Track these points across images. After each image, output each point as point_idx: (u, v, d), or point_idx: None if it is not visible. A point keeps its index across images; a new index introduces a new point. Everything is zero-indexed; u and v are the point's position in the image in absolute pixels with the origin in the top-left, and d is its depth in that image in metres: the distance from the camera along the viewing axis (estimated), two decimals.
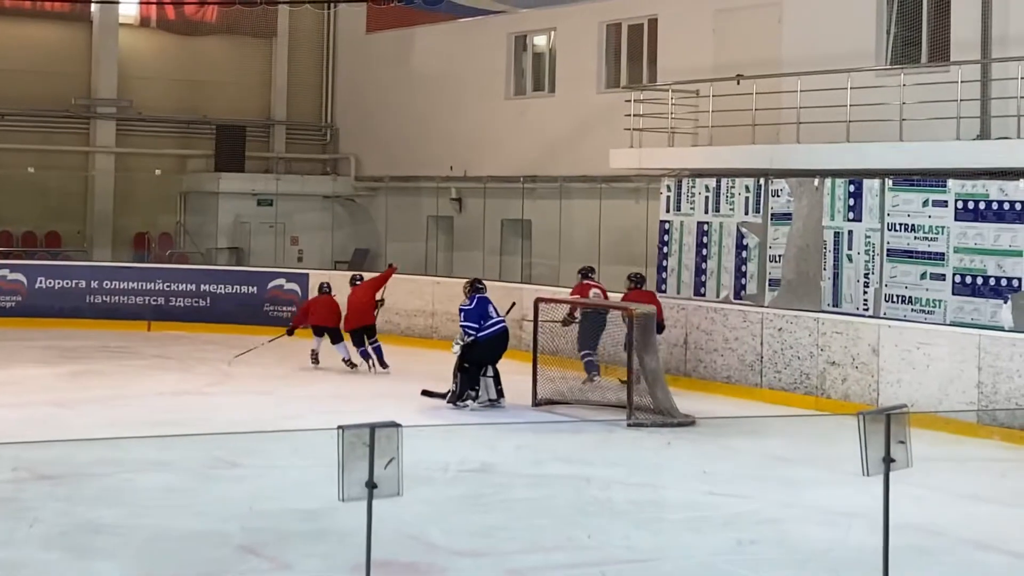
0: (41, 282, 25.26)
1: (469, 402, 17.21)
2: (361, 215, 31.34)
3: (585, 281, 20.10)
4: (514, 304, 18.94)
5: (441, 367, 19.16)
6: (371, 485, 7.13)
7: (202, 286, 25.59)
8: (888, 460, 7.49)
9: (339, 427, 7.10)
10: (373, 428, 7.06)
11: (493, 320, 17.41)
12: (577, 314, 18.72)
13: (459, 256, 28.27)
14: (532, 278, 25.49)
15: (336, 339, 20.87)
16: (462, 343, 17.18)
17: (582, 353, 18.83)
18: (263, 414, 16.68)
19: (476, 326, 17.19)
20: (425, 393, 17.64)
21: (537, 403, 17.57)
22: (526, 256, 26.63)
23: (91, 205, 30.29)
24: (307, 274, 25.52)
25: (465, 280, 18.12)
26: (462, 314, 17.32)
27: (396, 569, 9.86)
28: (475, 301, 17.33)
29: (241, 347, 21.47)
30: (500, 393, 17.40)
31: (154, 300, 25.42)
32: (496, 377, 17.43)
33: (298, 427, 15.06)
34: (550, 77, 27.15)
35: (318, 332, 21.05)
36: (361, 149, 31.91)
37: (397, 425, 7.04)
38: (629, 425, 16.20)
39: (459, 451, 14.45)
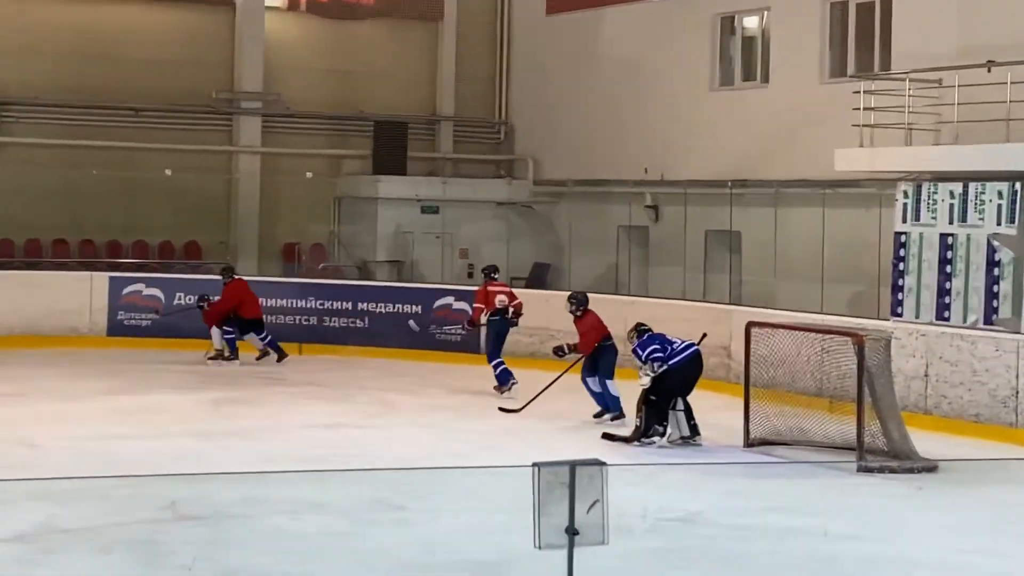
0: (180, 298, 25.79)
1: (656, 439, 17.23)
2: (541, 225, 31.45)
3: (489, 284, 21.49)
4: (705, 335, 18.83)
5: (633, 402, 19.15)
6: (572, 531, 7.12)
7: (359, 304, 25.91)
8: None
9: (535, 464, 7.11)
10: (574, 466, 7.06)
11: (682, 344, 17.61)
12: (482, 319, 20.85)
13: (655, 272, 28.20)
14: (742, 299, 25.31)
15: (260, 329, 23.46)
16: (653, 373, 17.32)
17: (493, 363, 20.84)
18: (430, 450, 16.82)
19: (663, 352, 17.38)
20: (607, 437, 17.75)
21: (750, 443, 17.47)
22: (734, 273, 26.47)
23: (234, 212, 30.86)
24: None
25: (631, 327, 18.42)
26: (639, 350, 17.58)
27: None
28: (646, 338, 17.76)
29: (401, 373, 21.74)
30: (694, 429, 17.37)
31: (305, 319, 25.80)
32: (688, 411, 17.44)
33: (468, 464, 15.17)
34: (763, 65, 27.00)
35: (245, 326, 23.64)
36: (540, 149, 32.05)
37: (602, 463, 7.02)
38: (859, 470, 16.01)
39: (658, 497, 14.37)
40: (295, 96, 31.58)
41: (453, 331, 24.98)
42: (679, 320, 23.10)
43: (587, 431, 18.24)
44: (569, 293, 20.71)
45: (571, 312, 20.04)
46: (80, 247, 29.53)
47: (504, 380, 21.19)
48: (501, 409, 19.69)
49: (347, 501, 13.88)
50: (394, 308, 25.88)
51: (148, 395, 20.16)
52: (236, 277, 24.34)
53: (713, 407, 17.83)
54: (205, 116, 30.94)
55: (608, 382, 19.23)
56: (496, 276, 22.02)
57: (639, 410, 17.44)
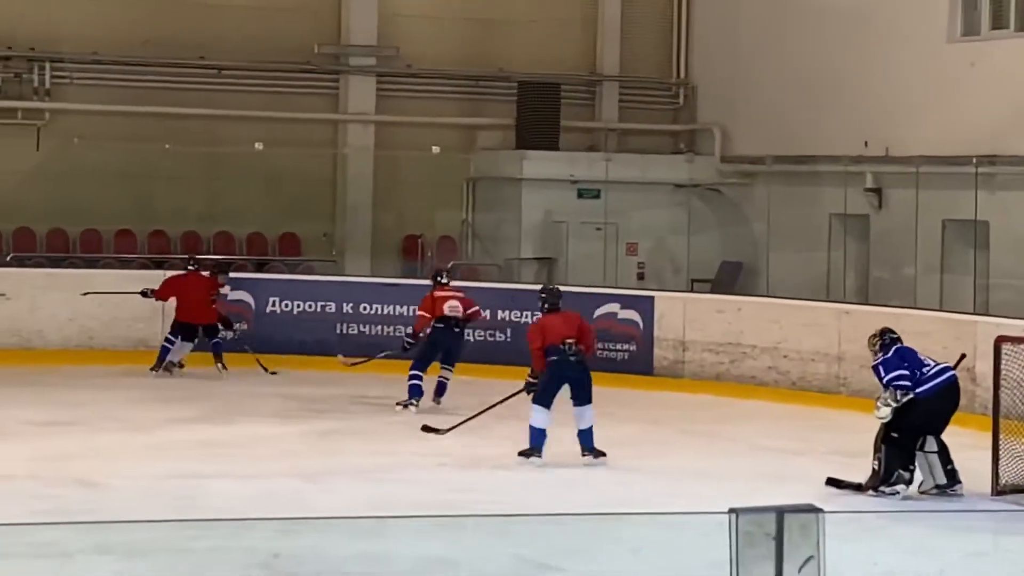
0: (274, 304, 26.07)
1: (900, 487, 17.08)
2: (730, 212, 31.48)
3: (438, 289, 22.41)
4: (964, 356, 18.71)
5: (851, 437, 19.08)
6: None
7: (500, 312, 26.02)
8: None
9: (731, 510, 7.16)
10: (782, 512, 7.11)
11: (936, 368, 17.37)
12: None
13: (878, 272, 28.14)
14: (990, 306, 25.14)
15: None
16: (895, 403, 17.07)
17: (411, 373, 22.10)
18: (593, 495, 16.92)
19: (911, 376, 17.14)
20: (832, 482, 17.60)
21: (1000, 491, 17.34)
22: (981, 275, 26.29)
23: (342, 196, 31.15)
24: (651, 297, 25.73)
25: (874, 331, 18.05)
26: (881, 369, 17.32)
27: None
28: (893, 352, 17.43)
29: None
30: (952, 476, 17.22)
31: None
32: (943, 452, 17.26)
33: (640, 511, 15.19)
34: (1019, 7, 26.80)
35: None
36: (729, 117, 32.10)
37: (817, 510, 7.07)
38: None
39: (884, 554, 14.34)
40: (418, 51, 31.79)
41: (619, 347, 25.02)
42: (910, 334, 22.88)
43: (797, 477, 18.14)
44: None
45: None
46: (149, 240, 29.93)
47: (411, 395, 22.11)
48: (424, 428, 20.40)
49: (485, 559, 13.97)
50: None
51: (237, 425, 20.33)
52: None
53: (954, 445, 17.67)
54: (305, 76, 31.23)
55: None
56: (444, 280, 22.78)
57: (877, 450, 17.21)
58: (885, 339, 17.58)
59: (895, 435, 17.08)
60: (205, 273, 24.97)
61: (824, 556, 7.28)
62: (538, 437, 18.64)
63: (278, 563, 13.42)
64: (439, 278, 22.79)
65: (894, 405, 17.01)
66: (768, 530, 7.22)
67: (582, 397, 18.71)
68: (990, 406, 18.05)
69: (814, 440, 20.63)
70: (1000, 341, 18.19)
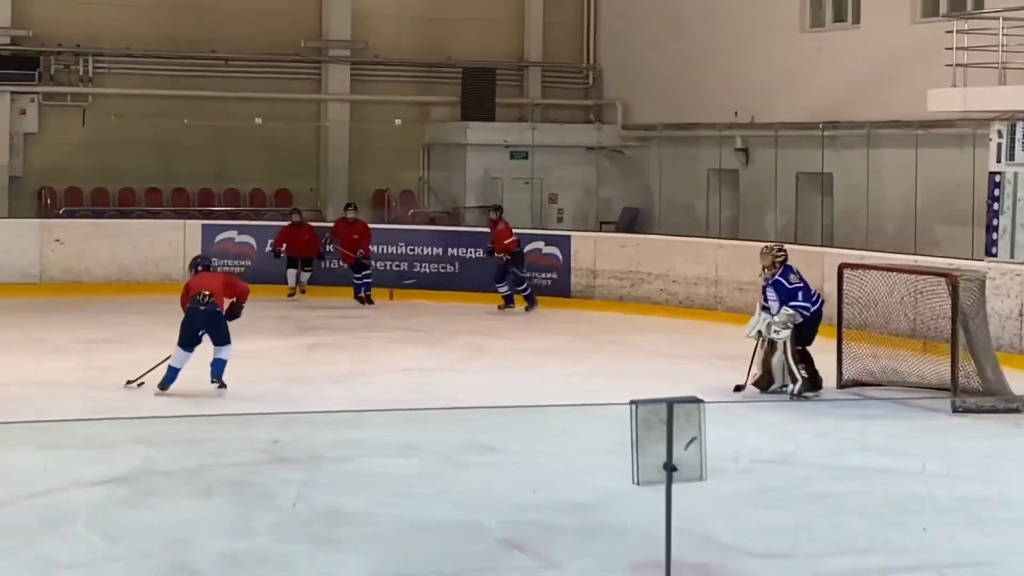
0: (271, 245, 25.97)
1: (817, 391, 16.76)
2: (630, 169, 31.39)
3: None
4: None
5: (726, 344, 19.13)
6: (670, 467, 7.17)
7: (449, 250, 26.02)
8: None
9: (632, 402, 7.16)
10: (671, 403, 7.10)
11: (815, 293, 17.06)
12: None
13: (746, 216, 28.12)
14: (834, 240, 25.18)
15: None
16: (791, 327, 16.56)
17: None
18: (523, 392, 16.88)
19: (810, 307, 16.66)
20: (739, 390, 16.92)
21: (843, 384, 17.39)
22: (826, 216, 26.32)
23: (324, 159, 31.02)
24: (568, 236, 25.73)
25: (764, 245, 17.60)
26: (779, 291, 16.62)
27: (683, 570, 9.84)
28: (790, 276, 16.75)
29: (492, 318, 21.76)
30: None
31: (396, 265, 25.94)
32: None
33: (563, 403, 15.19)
34: (854, 5, 26.72)
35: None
36: (630, 93, 31.94)
37: (699, 400, 7.07)
38: (954, 410, 15.93)
39: (751, 438, 14.38)
40: (383, 44, 31.65)
41: (544, 276, 25.01)
42: None
43: (684, 376, 18.13)
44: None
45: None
46: (173, 196, 29.82)
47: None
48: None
49: (441, 443, 13.98)
50: (484, 253, 25.94)
51: (243, 341, 20.06)
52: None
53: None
54: (294, 65, 31.08)
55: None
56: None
57: (791, 363, 16.56)
58: (780, 257, 16.93)
59: (802, 348, 16.67)
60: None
61: (704, 437, 7.27)
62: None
63: (275, 448, 13.44)
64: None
65: (791, 327, 16.52)
66: (661, 417, 7.21)
67: None
68: (835, 318, 18.09)
69: (697, 347, 20.68)
70: (842, 267, 18.28)
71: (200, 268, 17.52)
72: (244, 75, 30.50)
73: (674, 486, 7.83)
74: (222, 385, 16.38)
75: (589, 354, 20.19)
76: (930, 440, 14.89)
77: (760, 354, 16.86)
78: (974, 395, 16.09)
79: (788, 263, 16.93)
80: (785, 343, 16.57)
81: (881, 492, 12.54)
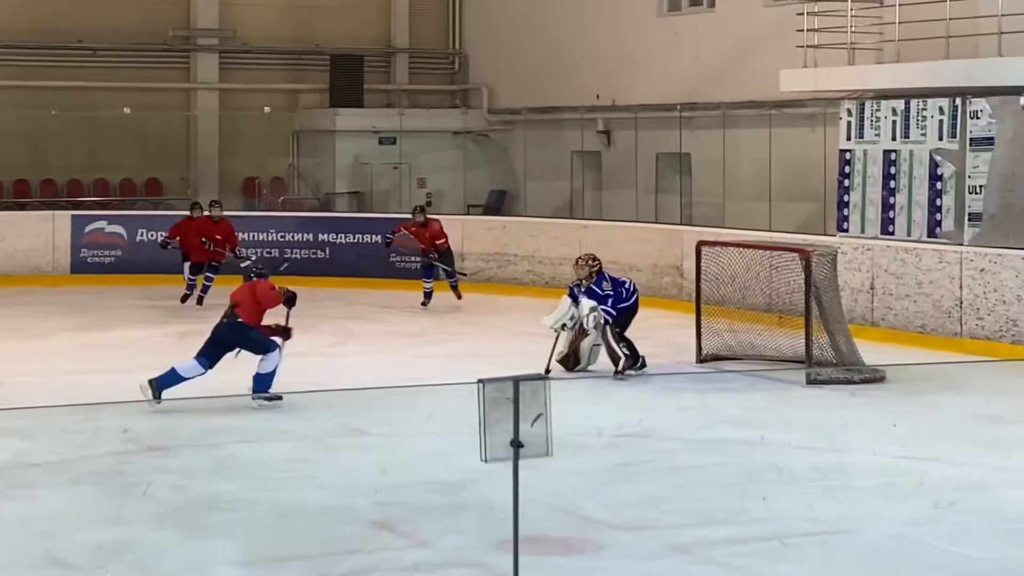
0: (142, 235, 25.73)
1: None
2: (496, 152, 31.46)
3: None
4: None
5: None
6: (516, 444, 7.23)
7: (320, 235, 25.94)
8: None
9: (479, 380, 7.20)
10: (517, 381, 7.15)
11: (632, 287, 17.10)
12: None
13: (609, 196, 28.24)
14: (693, 219, 25.42)
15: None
16: (602, 323, 16.63)
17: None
18: (393, 376, 16.84)
19: (616, 298, 16.78)
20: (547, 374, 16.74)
21: (702, 359, 17.59)
22: (685, 194, 26.55)
23: (194, 148, 30.76)
24: (438, 219, 25.66)
25: (578, 257, 17.49)
26: (592, 297, 16.69)
27: (547, 545, 9.96)
28: (608, 280, 16.89)
29: (363, 302, 21.68)
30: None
31: (267, 252, 25.77)
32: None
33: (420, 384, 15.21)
34: None
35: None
36: (494, 78, 31.98)
37: (544, 377, 7.13)
38: (808, 382, 16.17)
39: (614, 414, 14.53)
40: (251, 32, 31.43)
41: (412, 260, 25.00)
42: (633, 241, 23.31)
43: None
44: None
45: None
46: (41, 187, 29.40)
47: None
48: None
49: (310, 427, 13.99)
50: (354, 238, 25.90)
51: (113, 331, 20.03)
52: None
53: (666, 325, 17.94)
54: (162, 54, 30.77)
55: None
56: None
57: (618, 342, 16.65)
58: (596, 267, 16.95)
59: (619, 330, 16.81)
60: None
61: (550, 414, 7.31)
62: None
63: (145, 437, 13.32)
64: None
65: (602, 323, 16.60)
66: (508, 395, 7.25)
67: None
68: (694, 294, 18.28)
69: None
70: (700, 245, 18.46)
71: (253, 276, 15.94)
72: (112, 65, 30.09)
73: (540, 463, 7.89)
74: (271, 398, 14.80)
75: (458, 336, 20.23)
76: (785, 412, 15.13)
77: (567, 337, 16.93)
78: (828, 367, 16.37)
79: (602, 271, 16.97)
80: (605, 329, 16.64)
81: (738, 464, 12.71)
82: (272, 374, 14.82)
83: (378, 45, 32.66)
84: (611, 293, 16.71)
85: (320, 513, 10.89)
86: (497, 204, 30.07)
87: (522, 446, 7.27)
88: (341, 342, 19.76)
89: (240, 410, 14.42)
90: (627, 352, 16.71)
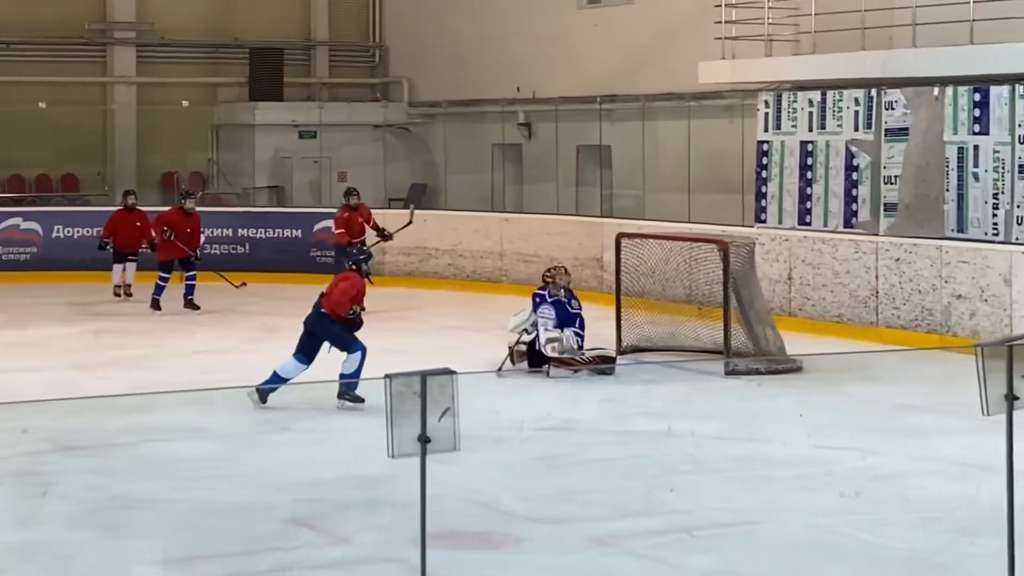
0: (58, 231, 25.55)
1: None
2: (417, 146, 31.42)
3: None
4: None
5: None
6: (424, 439, 7.22)
7: (239, 230, 25.85)
8: (1011, 397, 7.50)
9: (386, 376, 7.19)
10: (424, 376, 7.14)
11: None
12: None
13: (530, 189, 28.26)
14: (613, 211, 25.50)
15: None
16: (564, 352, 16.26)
17: None
18: (315, 372, 16.76)
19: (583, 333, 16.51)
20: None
21: (622, 351, 17.61)
22: (606, 187, 26.62)
23: (111, 143, 30.50)
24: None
25: (563, 267, 17.20)
26: (559, 312, 16.36)
27: (466, 540, 10.01)
28: (571, 296, 16.57)
29: (283, 297, 21.52)
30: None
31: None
32: None
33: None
34: None
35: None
36: (415, 71, 31.93)
37: (451, 372, 7.11)
38: (728, 373, 16.28)
39: (535, 408, 14.56)
40: (169, 25, 31.18)
41: (332, 254, 24.94)
42: (553, 234, 23.40)
43: (472, 348, 18.19)
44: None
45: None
46: None
47: None
48: None
49: (231, 425, 13.93)
50: (274, 233, 25.83)
51: (28, 329, 19.76)
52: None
53: (586, 317, 17.91)
54: (79, 48, 30.47)
55: None
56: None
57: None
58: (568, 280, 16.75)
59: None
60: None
61: (458, 408, 7.31)
62: None
63: (60, 437, 13.18)
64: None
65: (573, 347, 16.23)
66: (415, 390, 7.24)
67: None
68: (614, 286, 18.36)
69: (485, 319, 20.77)
70: (620, 237, 18.53)
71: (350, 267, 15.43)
72: (26, 59, 29.76)
73: (459, 457, 7.89)
74: (354, 400, 14.45)
75: (379, 331, 20.03)
76: (704, 403, 15.22)
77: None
78: (746, 357, 16.48)
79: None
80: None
81: (657, 455, 12.80)
82: (354, 375, 14.38)
83: (298, 38, 32.54)
84: (580, 311, 16.50)
85: (239, 511, 10.89)
86: (418, 196, 30.03)
87: (429, 441, 7.26)
88: (261, 338, 19.67)
89: (158, 408, 14.32)
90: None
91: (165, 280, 21.62)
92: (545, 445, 13.36)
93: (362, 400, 14.32)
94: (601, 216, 24.28)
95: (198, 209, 22.55)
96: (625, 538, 10.19)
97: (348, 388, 14.36)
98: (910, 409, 14.64)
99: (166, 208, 23.43)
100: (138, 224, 22.95)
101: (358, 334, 14.76)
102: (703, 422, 14.01)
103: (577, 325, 16.40)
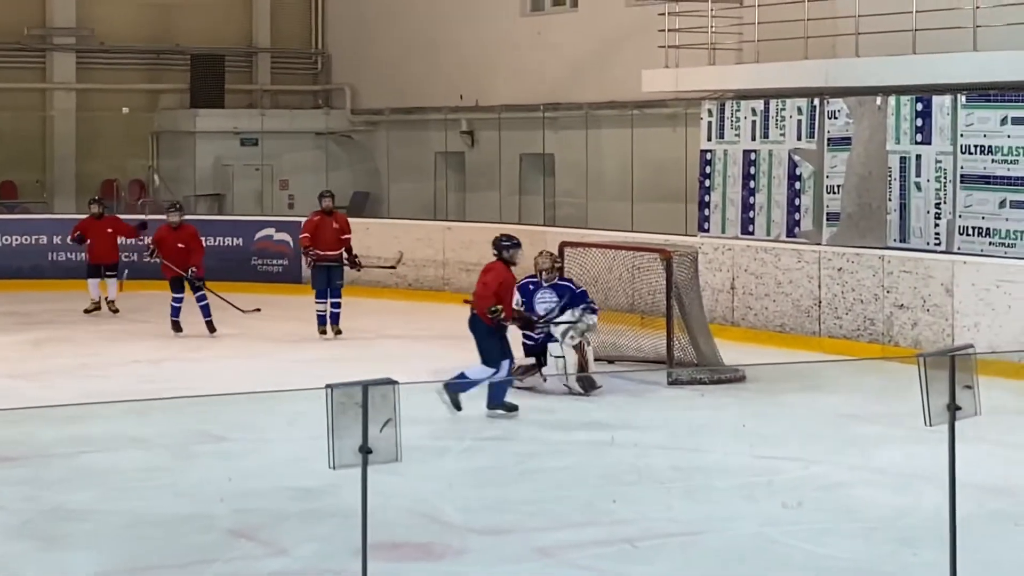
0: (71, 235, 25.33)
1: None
2: (359, 153, 31.41)
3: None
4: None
5: (454, 324, 19.21)
6: (365, 450, 7.18)
7: None
8: (953, 407, 7.52)
9: (327, 386, 7.14)
10: (366, 386, 7.10)
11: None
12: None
13: (473, 197, 28.31)
14: (556, 220, 25.54)
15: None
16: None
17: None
18: (254, 381, 16.69)
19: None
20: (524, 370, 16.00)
21: None
22: (549, 195, 26.67)
23: (50, 150, 30.39)
24: (299, 222, 25.48)
25: (548, 252, 16.63)
26: (561, 293, 15.93)
27: (407, 551, 9.98)
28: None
29: (224, 306, 21.42)
30: None
31: (125, 256, 25.42)
32: None
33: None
34: None
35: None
36: (357, 78, 31.92)
37: (393, 382, 7.07)
38: (670, 383, 16.30)
39: (476, 418, 14.52)
40: (109, 31, 31.10)
41: (274, 263, 24.89)
42: None
43: (414, 357, 18.12)
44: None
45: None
46: None
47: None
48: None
49: (168, 435, 13.83)
50: (215, 241, 25.70)
51: None
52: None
53: None
54: (17, 53, 30.35)
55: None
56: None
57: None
58: (560, 264, 16.65)
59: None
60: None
61: (399, 418, 7.27)
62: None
63: None
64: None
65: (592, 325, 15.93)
66: (357, 400, 7.20)
67: None
68: None
69: (427, 328, 20.77)
70: (563, 246, 18.53)
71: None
72: None
73: (400, 467, 7.85)
74: (508, 408, 14.29)
75: (320, 341, 20.10)
76: (646, 413, 15.21)
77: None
78: (689, 367, 16.52)
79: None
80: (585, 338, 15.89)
81: (601, 465, 12.78)
82: (467, 384, 14.19)
83: (239, 44, 32.49)
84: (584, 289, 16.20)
85: (177, 522, 10.79)
86: (361, 205, 30.01)
87: (371, 451, 7.21)
88: (203, 347, 19.61)
89: (94, 418, 14.23)
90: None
91: (177, 300, 20.37)
92: (486, 455, 13.36)
93: (514, 408, 14.40)
94: (544, 225, 24.34)
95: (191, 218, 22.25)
96: (567, 548, 10.17)
97: (495, 399, 14.39)
98: (853, 419, 14.70)
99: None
100: (110, 230, 22.65)
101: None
102: (645, 432, 14.02)
103: (589, 300, 16.07)
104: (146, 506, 11.27)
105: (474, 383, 14.35)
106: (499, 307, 14.45)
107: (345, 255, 20.02)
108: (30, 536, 10.43)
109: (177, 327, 20.33)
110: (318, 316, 19.99)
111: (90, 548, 10.20)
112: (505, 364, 14.48)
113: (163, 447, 13.43)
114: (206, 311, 20.25)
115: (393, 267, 21.68)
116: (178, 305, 20.36)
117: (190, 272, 20.19)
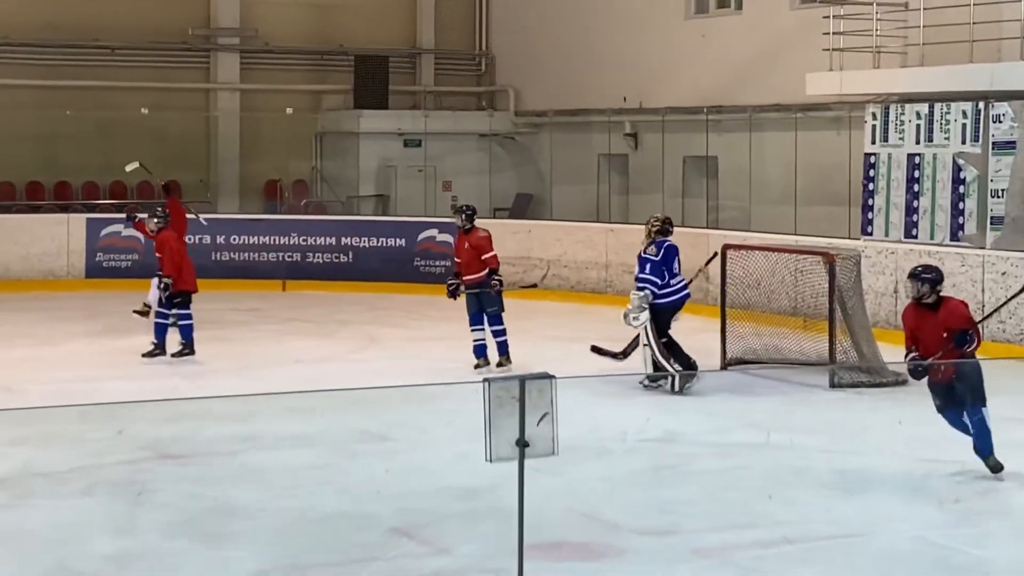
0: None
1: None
2: (522, 155, 31.56)
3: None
4: (716, 254, 18.63)
5: (617, 327, 19.30)
6: (522, 444, 7.35)
7: (343, 239, 26.06)
8: None
9: (485, 380, 7.32)
10: (523, 380, 7.28)
11: (682, 282, 16.54)
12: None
13: (635, 199, 28.30)
14: (719, 222, 25.54)
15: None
16: (645, 307, 16.14)
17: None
18: (415, 381, 16.81)
19: (658, 282, 16.22)
20: (595, 350, 17.07)
21: (727, 363, 17.70)
22: (712, 198, 26.66)
23: (214, 150, 30.80)
24: (486, 230, 25.70)
25: (656, 217, 16.82)
26: (646, 266, 16.28)
27: (568, 550, 10.10)
28: (663, 250, 16.35)
29: (386, 307, 21.55)
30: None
31: (289, 256, 25.90)
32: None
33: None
34: None
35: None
36: (521, 80, 32.08)
37: (550, 376, 7.24)
38: (832, 385, 16.31)
39: (637, 418, 14.63)
40: (273, 31, 31.45)
41: (437, 264, 25.14)
42: None
43: (574, 359, 18.06)
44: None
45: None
46: (56, 189, 29.32)
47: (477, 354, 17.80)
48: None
49: (331, 434, 13.99)
50: (378, 242, 26.03)
51: (131, 337, 19.56)
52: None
53: (691, 329, 17.94)
54: (182, 54, 30.75)
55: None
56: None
57: (667, 357, 16.17)
58: (664, 230, 16.44)
59: (666, 340, 16.31)
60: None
61: (556, 413, 7.42)
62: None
63: (159, 446, 13.27)
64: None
65: (646, 307, 16.15)
66: (514, 394, 7.35)
67: None
68: (719, 298, 18.40)
69: (588, 330, 20.80)
70: (726, 248, 18.55)
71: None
72: (130, 64, 30.04)
73: (561, 466, 7.99)
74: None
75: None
76: (808, 416, 15.24)
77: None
78: (851, 371, 16.51)
79: (668, 244, 16.42)
80: (649, 335, 16.17)
81: (761, 468, 12.84)
82: None
83: (403, 46, 32.70)
84: (655, 259, 16.20)
85: (339, 520, 10.98)
86: (523, 207, 30.17)
87: (528, 445, 7.38)
88: (363, 347, 19.85)
89: (258, 417, 14.44)
90: (678, 366, 16.12)
91: (161, 315, 18.54)
92: (648, 456, 13.45)
93: None
94: (707, 227, 24.33)
95: (198, 221, 22.11)
96: (730, 550, 10.25)
97: None
98: (1015, 422, 14.55)
99: (269, 217, 23.50)
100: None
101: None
102: (808, 435, 14.02)
103: (647, 271, 16.20)
104: (308, 504, 11.46)
105: None
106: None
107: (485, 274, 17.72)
108: (193, 533, 10.64)
109: (158, 348, 18.12)
110: (474, 347, 17.77)
111: (251, 546, 10.41)
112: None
113: (326, 446, 13.62)
114: (185, 332, 18.15)
115: (535, 285, 21.57)
116: (163, 322, 18.33)
117: (163, 283, 18.20)
